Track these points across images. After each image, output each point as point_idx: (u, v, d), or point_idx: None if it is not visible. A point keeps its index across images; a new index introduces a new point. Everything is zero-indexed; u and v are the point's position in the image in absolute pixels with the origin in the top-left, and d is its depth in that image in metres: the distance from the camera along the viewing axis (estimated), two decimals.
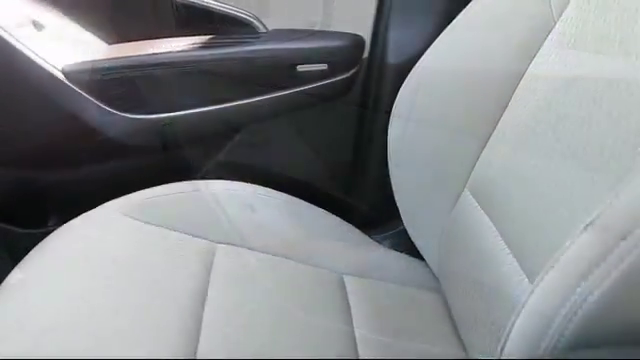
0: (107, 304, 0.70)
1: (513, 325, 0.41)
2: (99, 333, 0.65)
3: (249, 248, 0.86)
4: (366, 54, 1.11)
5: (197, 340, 0.69)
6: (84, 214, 0.87)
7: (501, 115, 0.76)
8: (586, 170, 0.55)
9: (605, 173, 0.49)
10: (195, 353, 0.68)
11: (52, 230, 0.94)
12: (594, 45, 0.63)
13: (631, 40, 0.57)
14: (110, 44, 1.04)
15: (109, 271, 0.76)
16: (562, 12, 0.71)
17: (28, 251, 0.83)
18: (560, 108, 0.64)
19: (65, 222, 0.90)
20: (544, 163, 0.65)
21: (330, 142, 1.19)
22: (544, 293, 0.40)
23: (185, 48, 1.05)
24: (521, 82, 0.75)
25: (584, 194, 0.51)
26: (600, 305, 0.38)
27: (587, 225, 0.40)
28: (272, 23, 1.07)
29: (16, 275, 0.74)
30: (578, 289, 0.38)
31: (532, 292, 0.41)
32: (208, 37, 1.06)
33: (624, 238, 0.37)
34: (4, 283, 0.74)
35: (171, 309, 0.72)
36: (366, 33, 1.08)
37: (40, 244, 0.82)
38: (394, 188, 0.94)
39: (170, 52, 1.04)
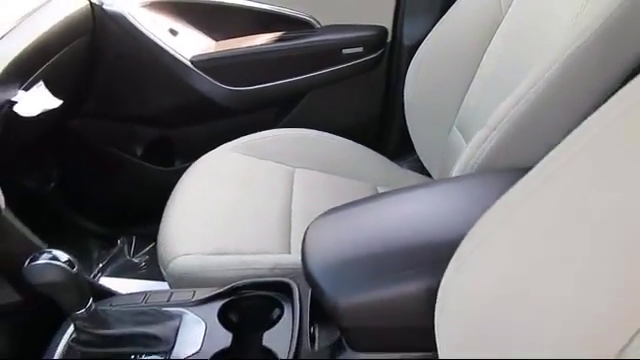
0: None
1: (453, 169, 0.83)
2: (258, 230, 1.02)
3: (317, 170, 1.18)
4: (389, 39, 1.35)
5: (290, 225, 1.04)
6: (208, 153, 1.20)
7: (473, 77, 1.08)
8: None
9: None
10: (290, 234, 1.02)
11: (178, 168, 1.27)
12: (521, 35, 0.97)
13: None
14: (217, 41, 1.34)
15: (231, 185, 1.11)
16: (508, 9, 1.03)
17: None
18: (501, 71, 1.00)
19: (186, 163, 1.22)
20: (490, 101, 0.97)
21: (366, 100, 1.43)
22: (464, 154, 0.81)
23: (265, 42, 1.34)
24: (484, 56, 1.06)
25: None
26: (487, 160, 0.79)
27: (483, 126, 0.82)
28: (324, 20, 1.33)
29: (177, 193, 1.10)
30: (476, 153, 0.80)
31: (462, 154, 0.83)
32: (280, 33, 1.34)
33: (494, 129, 0.79)
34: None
35: (270, 207, 1.07)
36: (388, 25, 1.34)
37: (187, 171, 1.16)
38: (409, 128, 1.23)
39: (256, 45, 1.34)
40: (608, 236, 0.41)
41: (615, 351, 0.37)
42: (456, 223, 0.58)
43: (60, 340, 0.76)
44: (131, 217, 1.48)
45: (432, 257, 0.58)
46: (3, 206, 0.75)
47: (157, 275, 1.12)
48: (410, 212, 0.68)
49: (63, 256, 0.68)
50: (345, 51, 1.34)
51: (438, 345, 0.54)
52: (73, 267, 0.68)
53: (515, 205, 0.48)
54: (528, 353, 0.44)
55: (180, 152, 1.49)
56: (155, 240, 1.04)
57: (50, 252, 0.68)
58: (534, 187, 0.49)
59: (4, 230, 0.76)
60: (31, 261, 0.67)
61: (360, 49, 1.35)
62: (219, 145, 1.22)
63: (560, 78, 0.75)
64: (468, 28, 1.11)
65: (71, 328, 0.77)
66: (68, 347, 0.76)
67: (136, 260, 1.47)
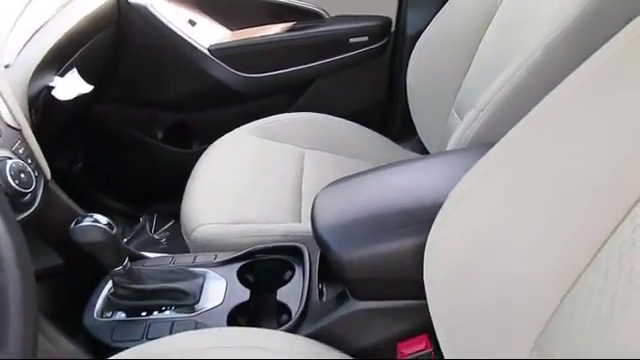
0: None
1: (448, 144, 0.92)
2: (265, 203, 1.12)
3: (325, 151, 1.25)
4: (393, 29, 1.43)
5: (300, 198, 1.12)
6: (226, 135, 1.27)
7: (471, 64, 1.15)
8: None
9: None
10: (300, 206, 1.10)
11: (196, 150, 1.34)
12: (512, 26, 1.05)
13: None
14: (233, 30, 1.43)
15: (246, 164, 1.18)
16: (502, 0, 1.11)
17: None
18: (494, 59, 1.07)
19: (203, 145, 1.28)
20: (483, 86, 1.07)
21: (371, 86, 1.51)
22: (457, 131, 0.91)
23: (277, 31, 1.43)
24: (480, 45, 1.13)
25: None
26: (476, 137, 0.88)
27: (472, 107, 0.91)
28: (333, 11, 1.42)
29: (197, 171, 1.18)
30: (466, 131, 0.89)
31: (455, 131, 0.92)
32: (292, 23, 1.42)
33: (482, 110, 0.88)
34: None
35: (282, 183, 1.14)
36: (392, 15, 1.42)
37: (206, 152, 1.23)
38: (411, 112, 1.30)
39: (269, 34, 1.42)
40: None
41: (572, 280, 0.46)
42: (446, 187, 0.65)
43: (100, 294, 0.87)
44: (152, 196, 1.56)
45: (426, 216, 0.65)
46: (49, 176, 0.86)
47: (177, 250, 1.18)
48: (406, 179, 0.78)
49: (103, 219, 0.79)
50: (351, 40, 1.42)
51: (427, 290, 0.63)
52: (112, 229, 0.79)
53: (493, 162, 0.58)
54: (500, 292, 0.53)
55: (198, 135, 1.58)
56: (175, 218, 1.13)
57: (92, 216, 0.79)
58: (510, 148, 0.58)
59: (50, 198, 0.86)
60: (76, 223, 0.78)
61: (365, 38, 1.42)
62: (234, 128, 1.29)
63: (540, 65, 0.84)
64: (466, 18, 1.18)
65: (109, 284, 0.88)
66: (107, 300, 0.86)
67: (157, 236, 1.56)
